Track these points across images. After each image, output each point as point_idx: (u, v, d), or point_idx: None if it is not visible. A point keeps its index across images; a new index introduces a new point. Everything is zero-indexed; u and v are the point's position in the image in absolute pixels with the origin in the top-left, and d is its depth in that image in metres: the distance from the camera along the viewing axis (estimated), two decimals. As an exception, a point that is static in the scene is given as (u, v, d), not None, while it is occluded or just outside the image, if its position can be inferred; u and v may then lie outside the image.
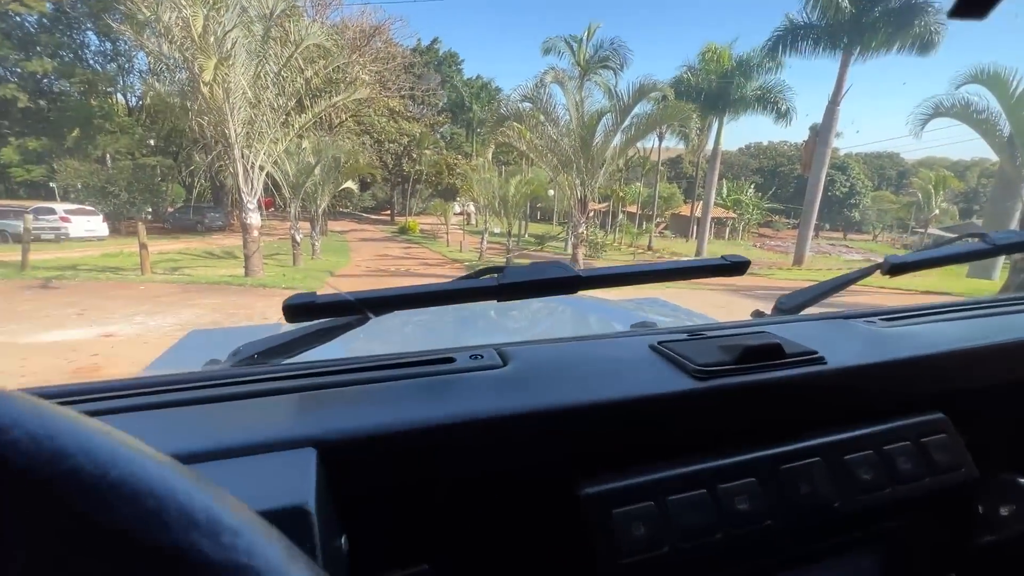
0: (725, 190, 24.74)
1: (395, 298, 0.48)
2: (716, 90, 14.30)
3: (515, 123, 9.13)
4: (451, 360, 0.50)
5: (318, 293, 0.45)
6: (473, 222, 21.21)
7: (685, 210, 24.69)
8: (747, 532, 0.41)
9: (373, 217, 27.23)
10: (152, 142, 16.34)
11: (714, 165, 15.63)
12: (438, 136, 24.50)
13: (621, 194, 18.86)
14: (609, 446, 0.43)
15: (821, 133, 12.53)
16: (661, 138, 18.31)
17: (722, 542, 0.40)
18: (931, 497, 0.47)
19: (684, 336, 0.54)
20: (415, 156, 22.38)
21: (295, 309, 0.44)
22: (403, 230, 19.94)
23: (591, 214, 12.68)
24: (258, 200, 7.43)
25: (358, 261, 10.53)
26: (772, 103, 13.78)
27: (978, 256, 0.67)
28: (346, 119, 18.03)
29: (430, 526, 0.39)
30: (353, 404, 0.41)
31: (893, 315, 0.66)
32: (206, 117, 6.90)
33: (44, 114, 15.36)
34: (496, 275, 0.50)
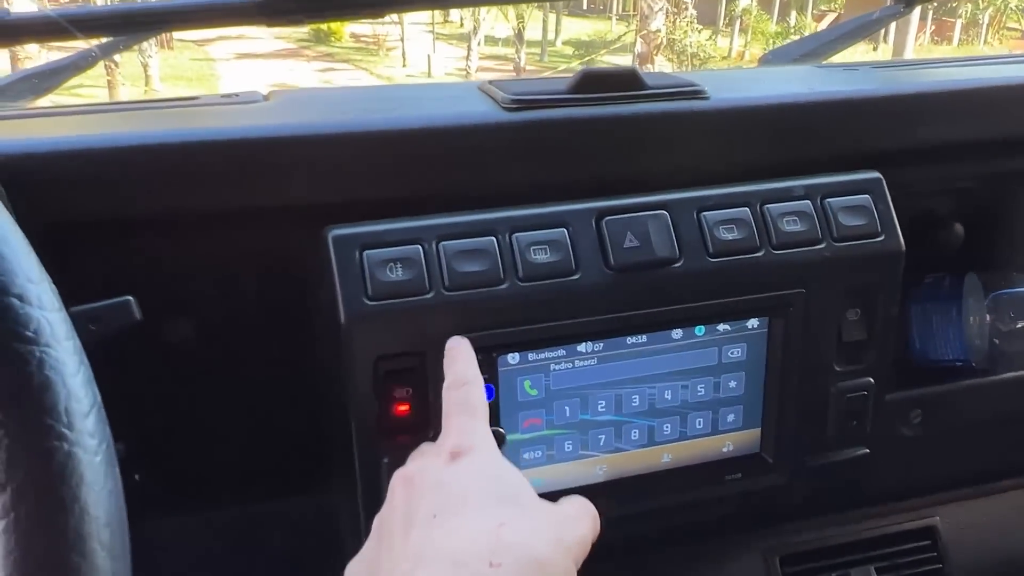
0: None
1: (117, 16, 0.69)
2: None
3: None
4: (195, 98, 0.72)
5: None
6: (456, 18, 20.87)
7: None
8: (538, 286, 0.62)
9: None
10: None
11: None
12: None
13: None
14: (378, 190, 0.64)
15: None
16: None
17: (507, 293, 0.62)
18: (829, 266, 0.68)
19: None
20: None
21: None
22: (320, 36, 19.85)
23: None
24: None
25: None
26: None
27: None
28: None
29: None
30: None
31: (906, 65, 0.86)
32: None
33: None
34: None
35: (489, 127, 0.66)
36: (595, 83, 0.69)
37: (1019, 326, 0.80)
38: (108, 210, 0.60)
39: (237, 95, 0.73)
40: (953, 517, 0.89)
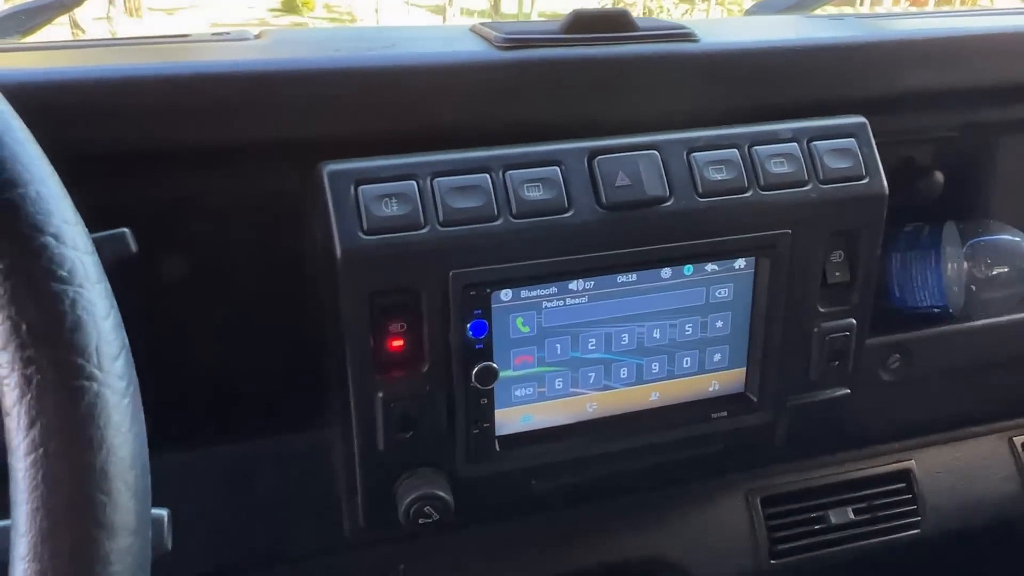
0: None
1: None
2: None
3: None
4: (186, 35, 0.72)
5: None
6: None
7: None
8: (531, 222, 0.63)
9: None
10: None
11: None
12: None
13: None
14: (371, 127, 0.65)
15: None
16: None
17: (501, 229, 0.63)
18: (815, 208, 0.70)
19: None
20: None
21: None
22: (292, 6, 19.48)
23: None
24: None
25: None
26: None
27: None
28: None
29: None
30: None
31: (891, 15, 0.87)
32: None
33: None
34: None
35: (482, 65, 0.66)
36: (587, 24, 0.70)
37: (995, 273, 0.82)
38: (101, 143, 0.60)
39: (228, 33, 0.73)
40: (928, 461, 0.92)
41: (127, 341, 0.35)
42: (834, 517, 0.88)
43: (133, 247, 0.50)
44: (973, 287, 0.82)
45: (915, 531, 0.89)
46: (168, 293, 0.69)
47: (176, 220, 0.67)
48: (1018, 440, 0.95)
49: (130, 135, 0.61)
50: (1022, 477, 0.94)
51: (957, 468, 0.92)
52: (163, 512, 0.39)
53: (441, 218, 0.62)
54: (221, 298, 0.70)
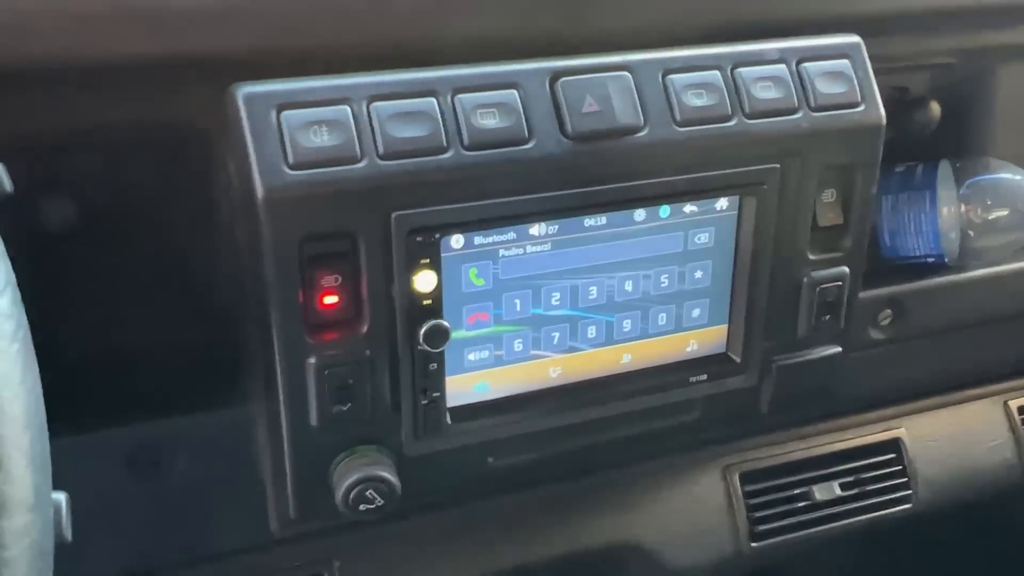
0: None
1: None
2: None
3: None
4: None
5: None
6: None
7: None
8: (486, 155, 0.57)
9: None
10: None
11: None
12: None
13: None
14: (293, 41, 0.58)
15: None
16: None
17: (451, 163, 0.56)
18: (806, 139, 0.64)
19: None
20: None
21: None
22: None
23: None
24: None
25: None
26: None
27: None
28: None
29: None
30: None
31: None
32: None
33: None
34: None
35: None
36: None
37: (993, 217, 0.78)
38: None
39: None
40: (919, 429, 0.89)
41: (14, 278, 0.32)
42: (819, 493, 0.85)
43: (8, 185, 0.43)
44: (970, 233, 0.78)
45: (906, 506, 0.87)
46: (54, 245, 0.62)
47: (61, 156, 0.61)
48: (1013, 404, 0.93)
49: None
50: (1018, 444, 0.92)
51: (949, 436, 0.90)
52: (60, 496, 0.36)
53: (380, 150, 0.56)
54: (119, 250, 0.64)
